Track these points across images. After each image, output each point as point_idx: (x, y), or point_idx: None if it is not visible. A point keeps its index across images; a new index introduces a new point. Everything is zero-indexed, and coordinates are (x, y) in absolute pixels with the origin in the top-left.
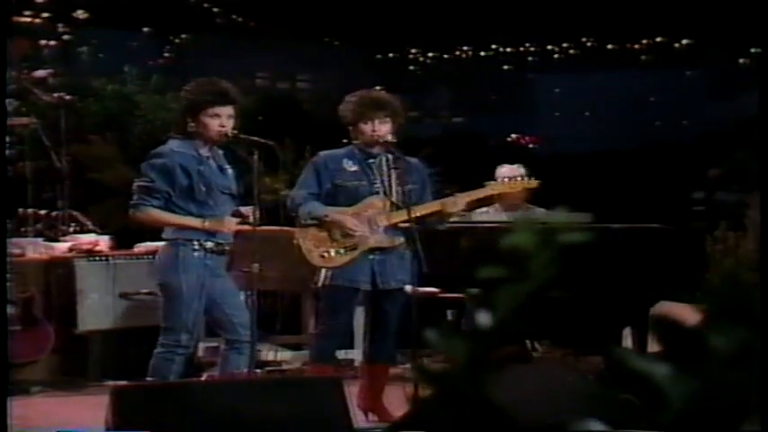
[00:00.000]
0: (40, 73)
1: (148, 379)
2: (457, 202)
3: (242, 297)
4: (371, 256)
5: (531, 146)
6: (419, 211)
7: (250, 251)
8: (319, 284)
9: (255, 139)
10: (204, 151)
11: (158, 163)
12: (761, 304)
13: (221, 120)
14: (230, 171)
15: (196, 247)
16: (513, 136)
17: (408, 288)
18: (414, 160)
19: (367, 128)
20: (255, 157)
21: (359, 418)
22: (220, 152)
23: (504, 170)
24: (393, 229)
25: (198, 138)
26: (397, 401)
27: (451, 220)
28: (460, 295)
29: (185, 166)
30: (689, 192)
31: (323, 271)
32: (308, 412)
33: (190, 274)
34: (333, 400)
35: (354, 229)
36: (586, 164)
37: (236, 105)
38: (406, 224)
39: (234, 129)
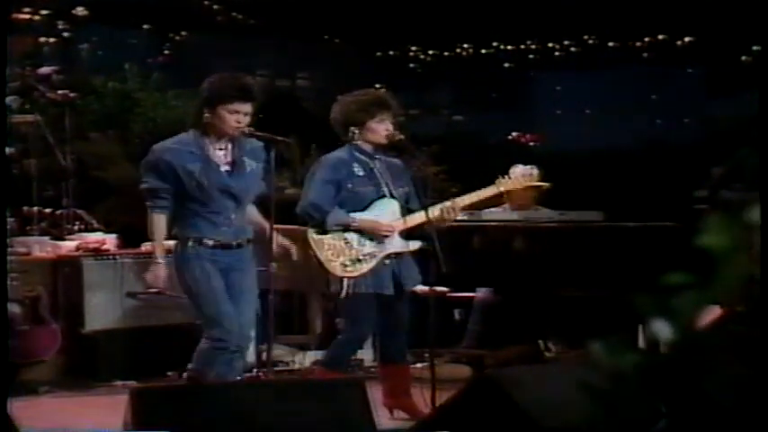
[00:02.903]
0: (45, 70)
1: (190, 366)
2: (455, 208)
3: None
4: (388, 261)
5: (531, 144)
6: (419, 219)
7: (262, 250)
8: (342, 295)
9: (272, 136)
10: (214, 145)
11: (148, 161)
12: (761, 303)
13: (239, 116)
14: (249, 168)
15: (191, 244)
16: (514, 134)
17: (424, 288)
18: (399, 162)
19: (380, 127)
20: (272, 154)
21: (384, 417)
22: (246, 146)
23: (518, 170)
24: (407, 232)
25: (212, 131)
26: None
27: (460, 218)
28: (469, 294)
29: (173, 163)
30: (692, 190)
31: (344, 281)
32: (330, 414)
33: (193, 270)
34: (355, 401)
35: (389, 231)
36: (588, 162)
37: (256, 103)
38: (423, 225)
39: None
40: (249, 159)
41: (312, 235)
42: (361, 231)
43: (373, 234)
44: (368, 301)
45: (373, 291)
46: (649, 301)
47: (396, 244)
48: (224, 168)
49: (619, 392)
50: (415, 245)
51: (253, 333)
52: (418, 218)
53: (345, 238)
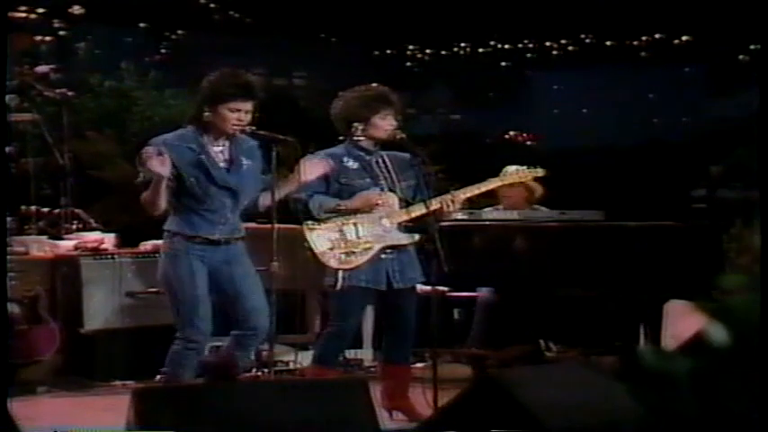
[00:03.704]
0: (42, 68)
1: (163, 370)
2: (455, 200)
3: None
4: (384, 255)
5: (529, 143)
6: (418, 210)
7: (264, 249)
8: (337, 287)
9: (275, 135)
10: (212, 143)
11: (146, 154)
12: (761, 304)
13: (240, 114)
14: (246, 166)
15: (179, 240)
16: (512, 133)
17: (426, 288)
18: (406, 156)
19: (384, 123)
20: (274, 153)
21: (384, 418)
22: (243, 145)
23: (511, 170)
24: (404, 226)
25: (212, 128)
26: (413, 400)
27: (460, 217)
28: (469, 294)
29: (172, 157)
30: (689, 189)
31: (339, 273)
32: (333, 414)
33: (178, 267)
34: (359, 401)
35: (380, 202)
36: (585, 161)
37: (257, 101)
38: (424, 221)
39: (251, 124)
40: (246, 158)
41: (307, 227)
42: (356, 224)
43: (368, 219)
44: (360, 294)
45: (365, 285)
46: (708, 304)
47: (393, 236)
48: (222, 166)
49: (669, 397)
50: (413, 237)
51: (267, 316)
52: (419, 209)
53: (341, 230)
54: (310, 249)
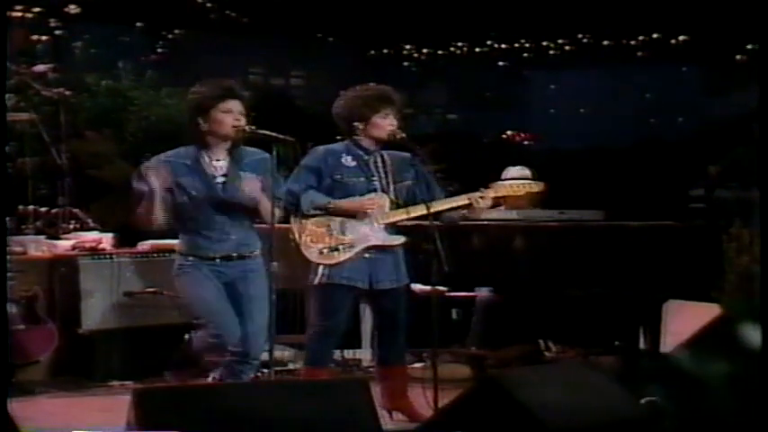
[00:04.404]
0: (40, 68)
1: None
2: (484, 197)
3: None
4: (368, 255)
5: (526, 143)
6: (415, 211)
7: (264, 250)
8: (315, 282)
9: (275, 135)
10: (213, 158)
11: (147, 167)
12: (761, 304)
13: (234, 114)
14: (246, 180)
15: (191, 259)
16: (509, 132)
17: (424, 288)
18: (406, 155)
19: (385, 122)
20: (274, 153)
21: (383, 418)
22: (246, 158)
23: (512, 172)
24: (392, 227)
25: (211, 139)
26: (413, 400)
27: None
28: (468, 294)
29: (168, 174)
30: (687, 189)
31: (320, 268)
32: (335, 414)
33: (192, 281)
34: (360, 401)
35: (370, 207)
36: (582, 161)
37: (244, 101)
38: (424, 222)
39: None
40: (246, 172)
41: (295, 219)
42: (343, 221)
43: (356, 217)
44: (341, 292)
45: (346, 282)
46: (740, 303)
47: (379, 237)
48: (219, 181)
49: (705, 404)
50: (398, 239)
51: (261, 343)
52: (419, 210)
53: (328, 225)
54: (295, 242)
